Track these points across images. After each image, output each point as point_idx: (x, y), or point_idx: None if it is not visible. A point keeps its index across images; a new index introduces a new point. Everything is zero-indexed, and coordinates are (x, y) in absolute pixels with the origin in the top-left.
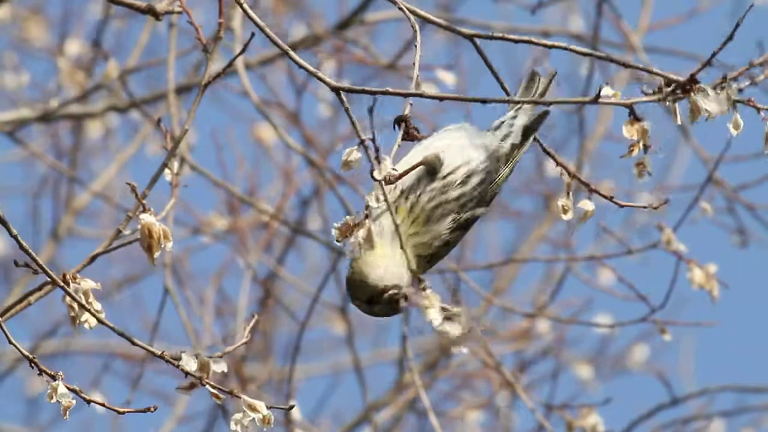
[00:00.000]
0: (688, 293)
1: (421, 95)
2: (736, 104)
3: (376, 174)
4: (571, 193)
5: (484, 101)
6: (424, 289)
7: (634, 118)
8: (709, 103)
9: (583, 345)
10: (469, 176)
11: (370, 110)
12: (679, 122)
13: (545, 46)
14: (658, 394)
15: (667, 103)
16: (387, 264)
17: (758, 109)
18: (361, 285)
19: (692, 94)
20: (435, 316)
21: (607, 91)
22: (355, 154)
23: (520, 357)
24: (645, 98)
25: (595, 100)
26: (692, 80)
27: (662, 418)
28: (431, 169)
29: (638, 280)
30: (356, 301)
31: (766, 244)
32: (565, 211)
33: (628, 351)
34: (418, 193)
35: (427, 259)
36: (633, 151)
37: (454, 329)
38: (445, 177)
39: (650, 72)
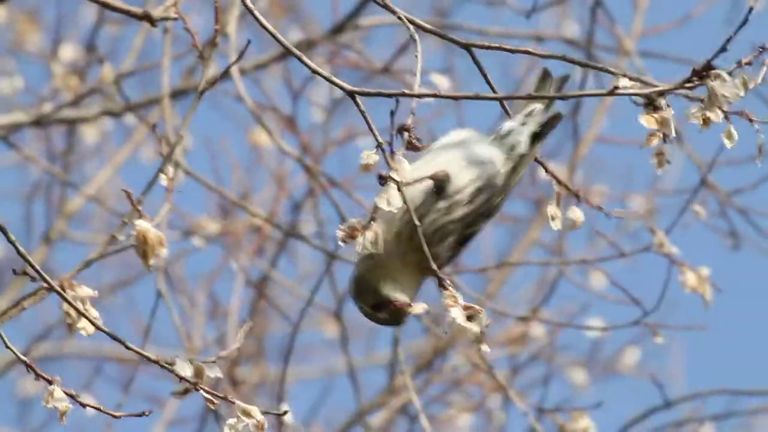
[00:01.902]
0: (680, 296)
1: (435, 95)
2: (728, 116)
3: (393, 174)
4: (560, 202)
5: (499, 98)
6: (446, 288)
7: (653, 107)
8: (726, 88)
9: (574, 348)
10: (476, 195)
11: (392, 113)
12: (674, 133)
13: (542, 56)
14: (650, 397)
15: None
16: (399, 277)
17: (752, 121)
18: (370, 291)
19: (709, 80)
20: (457, 314)
21: (623, 82)
22: (374, 157)
23: (512, 360)
24: (663, 87)
25: (612, 92)
26: (708, 66)
27: (654, 421)
28: (440, 187)
29: (629, 282)
30: (361, 304)
31: (758, 247)
32: (553, 219)
33: (620, 354)
34: (420, 215)
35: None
36: (652, 141)
37: (475, 327)
38: (451, 197)
39: (644, 82)
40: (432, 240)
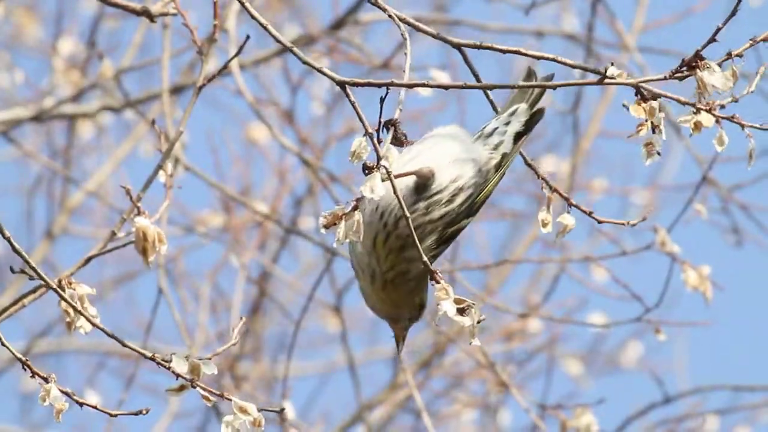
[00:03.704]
0: (682, 292)
1: (425, 85)
2: (720, 121)
3: (384, 162)
4: (551, 207)
5: (487, 88)
6: (437, 281)
7: (642, 97)
8: (716, 79)
9: (576, 343)
10: (456, 194)
11: (382, 100)
12: (664, 137)
13: (534, 57)
14: (651, 392)
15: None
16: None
17: (743, 126)
18: (385, 309)
19: (698, 70)
20: (448, 307)
21: (613, 71)
22: (364, 146)
23: (513, 356)
24: (653, 77)
25: (602, 80)
26: (697, 56)
27: (655, 416)
28: (422, 184)
29: (630, 277)
30: (377, 312)
31: (760, 243)
32: (544, 225)
33: (621, 349)
34: (397, 218)
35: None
36: (641, 130)
37: (466, 321)
38: (431, 197)
39: (640, 88)
40: (408, 242)
